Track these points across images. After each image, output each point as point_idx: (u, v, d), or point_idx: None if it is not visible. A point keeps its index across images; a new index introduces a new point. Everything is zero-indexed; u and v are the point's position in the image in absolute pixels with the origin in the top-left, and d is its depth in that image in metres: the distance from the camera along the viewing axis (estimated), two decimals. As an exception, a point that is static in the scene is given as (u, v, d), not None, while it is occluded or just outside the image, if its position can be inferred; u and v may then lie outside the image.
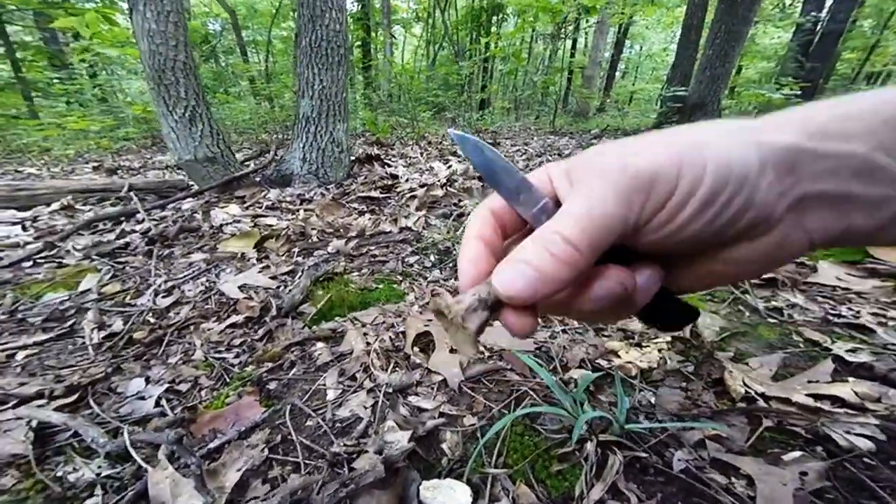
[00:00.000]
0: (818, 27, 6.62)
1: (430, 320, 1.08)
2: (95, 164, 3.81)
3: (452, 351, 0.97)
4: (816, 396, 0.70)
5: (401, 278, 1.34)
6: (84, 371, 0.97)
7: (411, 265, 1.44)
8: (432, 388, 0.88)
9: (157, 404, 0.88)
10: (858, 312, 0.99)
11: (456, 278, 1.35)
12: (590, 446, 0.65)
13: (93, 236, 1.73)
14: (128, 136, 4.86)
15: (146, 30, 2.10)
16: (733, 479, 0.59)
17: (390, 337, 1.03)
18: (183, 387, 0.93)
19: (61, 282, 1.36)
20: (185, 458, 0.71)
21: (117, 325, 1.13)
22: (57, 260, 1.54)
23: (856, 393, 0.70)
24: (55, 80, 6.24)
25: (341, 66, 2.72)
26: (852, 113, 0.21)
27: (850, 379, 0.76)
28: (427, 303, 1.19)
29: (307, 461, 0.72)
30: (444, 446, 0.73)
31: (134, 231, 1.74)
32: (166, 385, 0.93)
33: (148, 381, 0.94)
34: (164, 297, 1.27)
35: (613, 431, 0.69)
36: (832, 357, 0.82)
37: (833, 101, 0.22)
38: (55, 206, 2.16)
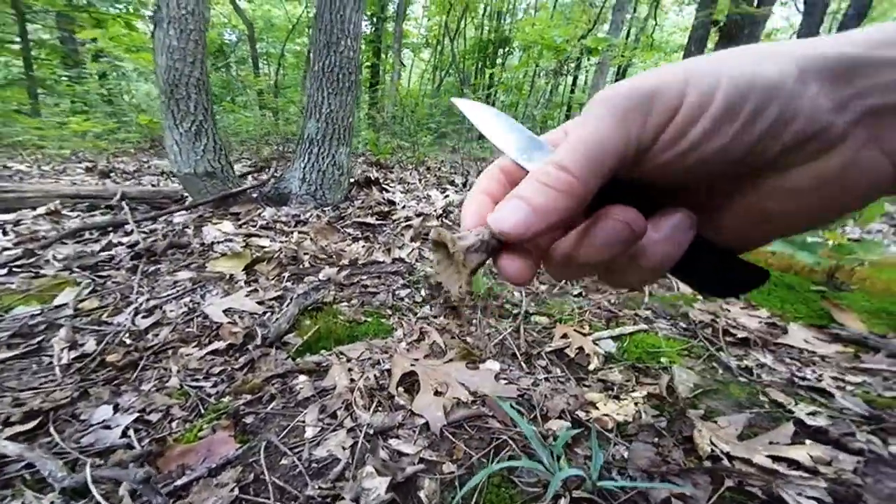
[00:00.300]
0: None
1: (416, 359, 1.07)
2: (89, 165, 3.77)
3: (437, 393, 0.96)
4: (775, 458, 0.74)
5: (390, 312, 1.33)
6: (47, 395, 0.93)
7: (402, 298, 1.43)
8: (414, 431, 0.87)
9: (124, 435, 0.85)
10: (821, 376, 1.03)
11: (445, 317, 1.35)
12: (563, 502, 0.66)
13: (76, 246, 1.70)
14: (127, 140, 4.84)
15: (166, 45, 2.14)
16: None
17: (375, 375, 1.02)
18: (154, 416, 0.90)
19: (36, 294, 1.32)
20: (150, 498, 0.67)
21: (90, 345, 1.10)
22: (34, 269, 1.49)
23: (811, 456, 0.74)
24: (63, 78, 6.25)
25: (350, 92, 2.80)
26: None
27: (808, 442, 0.80)
28: (416, 339, 1.18)
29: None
30: (421, 494, 0.71)
31: (121, 243, 1.71)
32: (136, 414, 0.89)
33: (116, 408, 0.91)
34: (144, 316, 1.24)
35: (586, 488, 0.70)
36: (793, 420, 0.87)
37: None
38: (41, 210, 2.12)
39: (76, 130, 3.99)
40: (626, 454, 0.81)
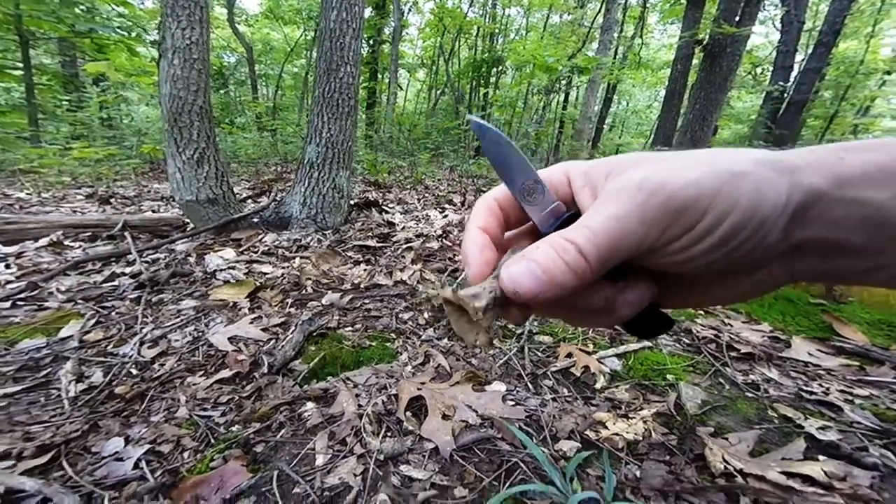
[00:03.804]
0: (785, 95, 7.26)
1: (422, 383, 1.08)
2: (88, 192, 3.80)
3: (445, 417, 0.96)
4: (789, 475, 0.73)
5: (394, 336, 1.34)
6: (58, 428, 0.93)
7: (405, 321, 1.44)
8: (423, 456, 0.87)
9: (136, 466, 0.84)
10: (828, 389, 1.04)
11: (449, 338, 1.36)
12: None
13: (79, 277, 1.71)
14: (129, 165, 4.89)
15: (171, 75, 2.21)
16: None
17: (383, 400, 1.02)
18: (165, 448, 0.89)
19: (40, 327, 1.33)
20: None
21: (97, 376, 1.10)
22: (38, 302, 1.50)
23: (825, 472, 0.73)
24: (64, 102, 6.34)
25: (350, 117, 2.87)
26: (884, 162, 0.21)
27: (820, 457, 0.79)
28: (421, 363, 1.19)
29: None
30: (434, 525, 0.71)
31: (124, 274, 1.72)
32: (147, 446, 0.89)
33: (127, 440, 0.91)
34: (149, 347, 1.24)
35: None
36: (804, 435, 0.86)
37: (868, 144, 0.22)
38: (43, 241, 2.14)
39: (80, 157, 4.03)
40: (638, 473, 0.81)
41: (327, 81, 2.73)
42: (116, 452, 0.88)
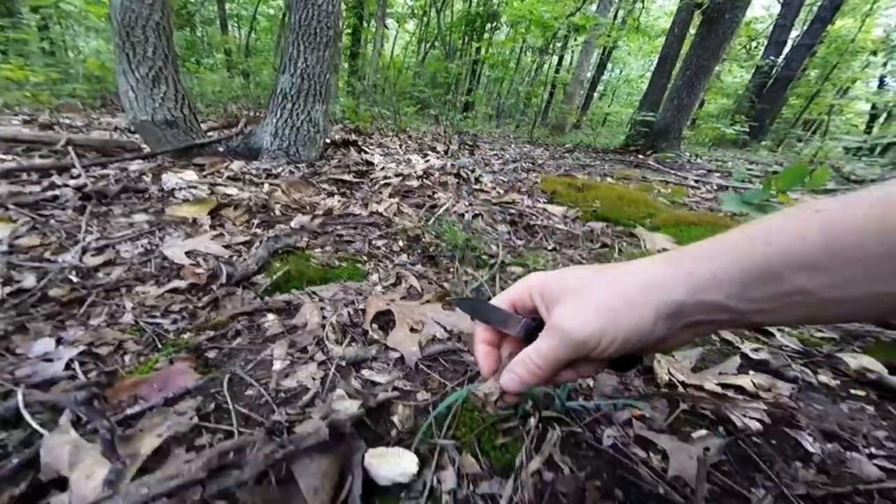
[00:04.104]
0: (773, 71, 7.24)
1: (392, 300, 1.03)
2: (27, 118, 3.39)
3: (413, 331, 0.93)
4: (724, 385, 0.82)
5: (366, 259, 1.28)
6: (-23, 329, 0.83)
7: (378, 248, 1.37)
8: (388, 364, 0.84)
9: (69, 368, 0.76)
10: None
11: (423, 264, 1.31)
12: (532, 421, 0.67)
13: (11, 186, 1.52)
14: (74, 93, 4.37)
15: None
16: (651, 454, 0.66)
17: (349, 312, 0.97)
18: (103, 350, 0.82)
19: (-34, 230, 1.18)
20: (95, 422, 0.61)
21: (29, 281, 0.99)
22: (-37, 208, 1.33)
23: (753, 383, 0.82)
24: None
25: (328, 48, 2.63)
26: (718, 273, 0.32)
27: (751, 372, 0.89)
28: (392, 283, 1.14)
29: (242, 429, 0.65)
30: (394, 419, 0.69)
31: (66, 185, 1.55)
32: (82, 347, 0.81)
33: (60, 342, 0.82)
34: (93, 255, 1.13)
35: (555, 408, 0.72)
36: (740, 354, 0.96)
37: (713, 251, 0.34)
38: (-27, 151, 1.89)
39: (11, 77, 3.56)
40: (591, 383, 0.83)
41: (304, 7, 2.46)
42: (46, 353, 0.79)
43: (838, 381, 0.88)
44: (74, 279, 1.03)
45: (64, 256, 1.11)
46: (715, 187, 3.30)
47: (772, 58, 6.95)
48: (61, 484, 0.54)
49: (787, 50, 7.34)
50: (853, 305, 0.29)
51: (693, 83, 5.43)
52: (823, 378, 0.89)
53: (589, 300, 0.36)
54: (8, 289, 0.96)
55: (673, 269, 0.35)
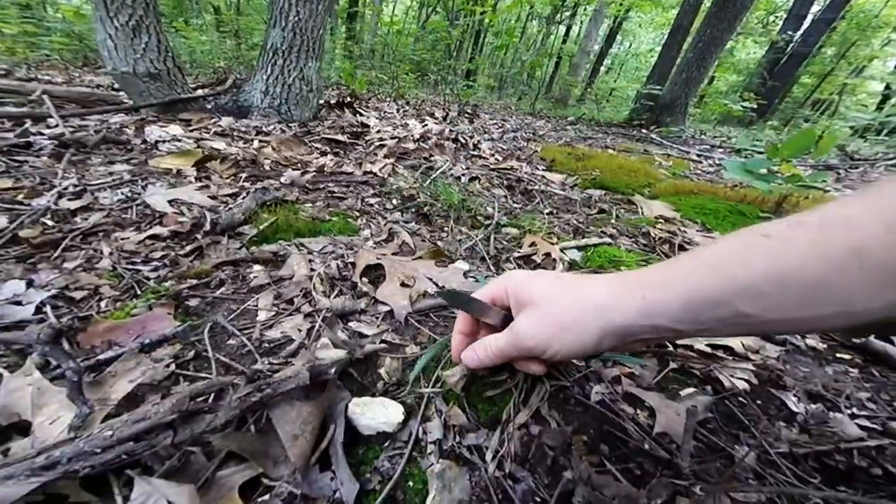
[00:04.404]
0: (789, 48, 6.97)
1: (383, 254, 0.99)
2: (2, 72, 3.19)
3: (404, 285, 0.89)
4: (713, 346, 0.82)
5: (358, 214, 1.23)
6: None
7: (371, 205, 1.32)
8: (377, 317, 0.81)
9: (39, 311, 0.73)
10: None
11: (417, 222, 1.26)
12: (521, 376, 0.65)
13: (-13, 133, 1.44)
14: (52, 47, 4.10)
15: None
16: (639, 411, 0.65)
17: (338, 265, 0.93)
18: (77, 294, 0.78)
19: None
20: (63, 365, 0.58)
21: (0, 222, 0.93)
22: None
23: (742, 345, 0.82)
24: None
25: (322, 1, 2.46)
26: (670, 301, 0.36)
27: None
28: (385, 239, 1.10)
29: (222, 378, 0.62)
30: (381, 371, 0.66)
31: (41, 134, 1.46)
32: (55, 291, 0.77)
33: (30, 284, 0.78)
34: (69, 199, 1.07)
35: None
36: None
37: (667, 280, 0.37)
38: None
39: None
40: None
41: (296, -48, 2.28)
42: (14, 295, 0.75)
43: (825, 345, 0.88)
44: (49, 222, 0.98)
45: (38, 200, 1.05)
46: (717, 161, 3.23)
47: (789, 32, 6.66)
48: (24, 429, 0.51)
49: (805, 24, 7.03)
50: (791, 325, 0.33)
51: (704, 55, 5.22)
52: (811, 341, 0.89)
53: (546, 312, 0.43)
54: (-23, 231, 0.91)
55: (629, 293, 0.39)
